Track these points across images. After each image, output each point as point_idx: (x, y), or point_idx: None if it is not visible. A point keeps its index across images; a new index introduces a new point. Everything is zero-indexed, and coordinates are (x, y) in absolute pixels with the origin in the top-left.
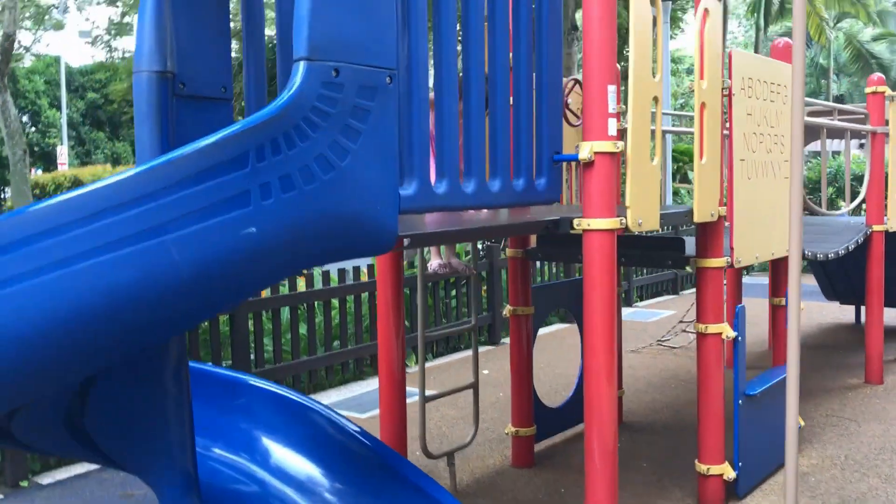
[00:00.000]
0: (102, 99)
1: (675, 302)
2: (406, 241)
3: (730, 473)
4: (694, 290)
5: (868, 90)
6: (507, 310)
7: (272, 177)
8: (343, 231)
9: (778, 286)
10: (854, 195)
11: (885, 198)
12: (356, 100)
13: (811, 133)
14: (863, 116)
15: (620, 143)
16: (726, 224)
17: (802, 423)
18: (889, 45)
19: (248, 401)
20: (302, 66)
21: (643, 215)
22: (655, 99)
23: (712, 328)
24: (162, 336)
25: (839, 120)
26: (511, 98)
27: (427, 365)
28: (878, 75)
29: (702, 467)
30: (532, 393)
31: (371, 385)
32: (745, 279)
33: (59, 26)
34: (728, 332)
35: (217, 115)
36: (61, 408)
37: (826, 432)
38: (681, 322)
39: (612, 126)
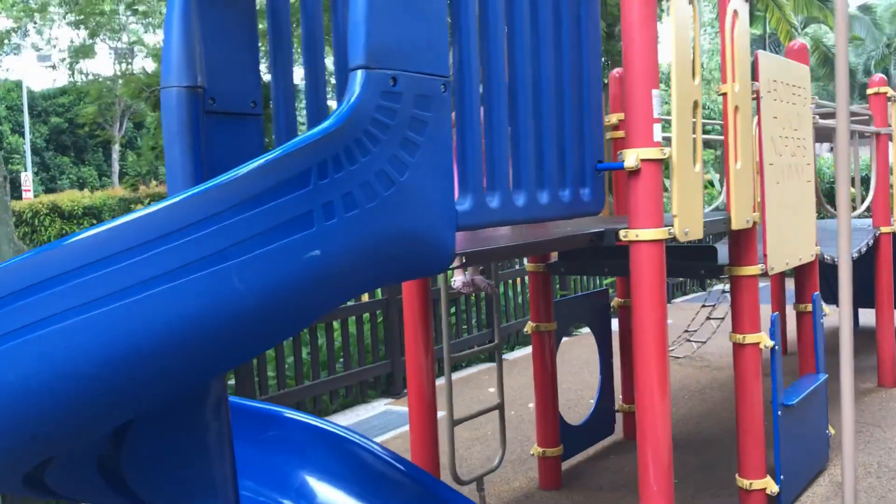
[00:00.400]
0: (67, 123)
1: (669, 312)
2: (461, 260)
3: (773, 488)
4: (684, 299)
5: (870, 91)
6: (528, 326)
7: (335, 195)
8: (403, 251)
9: (803, 292)
10: (859, 198)
11: (892, 199)
12: (413, 110)
13: (822, 135)
14: (866, 118)
15: (667, 150)
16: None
17: (832, 432)
18: (854, 49)
19: (283, 433)
20: (360, 74)
21: (689, 224)
22: (695, 103)
23: (750, 338)
24: (219, 371)
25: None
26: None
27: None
28: (879, 76)
29: (744, 482)
30: (558, 411)
31: (376, 408)
32: None
33: (17, 50)
34: (766, 341)
35: (247, 131)
36: (94, 451)
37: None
38: (686, 332)
39: (658, 132)
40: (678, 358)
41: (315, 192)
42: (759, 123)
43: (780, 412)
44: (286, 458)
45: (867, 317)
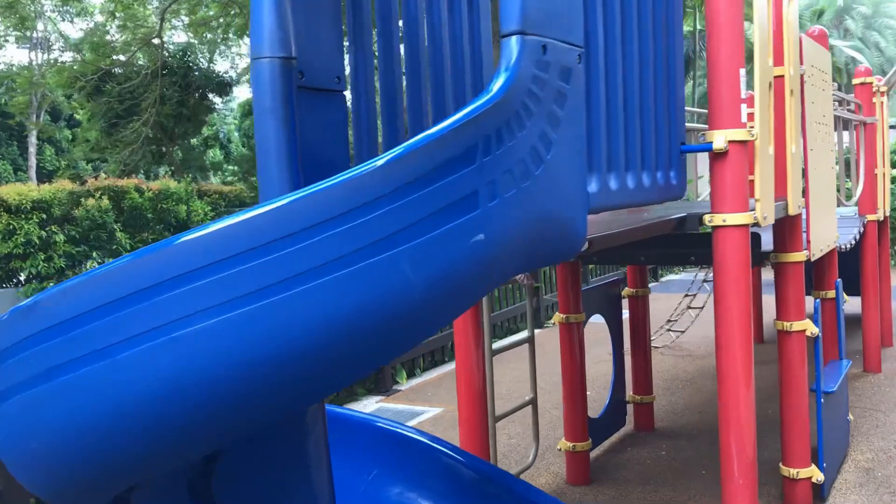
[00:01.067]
0: None
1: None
2: (585, 246)
3: (818, 476)
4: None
5: (856, 81)
6: (556, 317)
7: (496, 173)
8: (546, 234)
9: (824, 279)
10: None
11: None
12: (558, 82)
13: None
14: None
15: (755, 131)
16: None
17: (852, 418)
18: None
19: (369, 441)
20: (515, 41)
21: (767, 209)
22: (770, 85)
23: (797, 325)
24: (369, 370)
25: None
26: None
27: (419, 380)
28: (865, 66)
29: (790, 471)
30: (586, 405)
31: (367, 406)
32: None
33: None
34: (812, 328)
35: (331, 108)
36: (187, 470)
37: (861, 425)
38: (669, 321)
39: (744, 112)
40: (657, 348)
41: (480, 169)
42: (802, 108)
43: (822, 399)
44: (373, 467)
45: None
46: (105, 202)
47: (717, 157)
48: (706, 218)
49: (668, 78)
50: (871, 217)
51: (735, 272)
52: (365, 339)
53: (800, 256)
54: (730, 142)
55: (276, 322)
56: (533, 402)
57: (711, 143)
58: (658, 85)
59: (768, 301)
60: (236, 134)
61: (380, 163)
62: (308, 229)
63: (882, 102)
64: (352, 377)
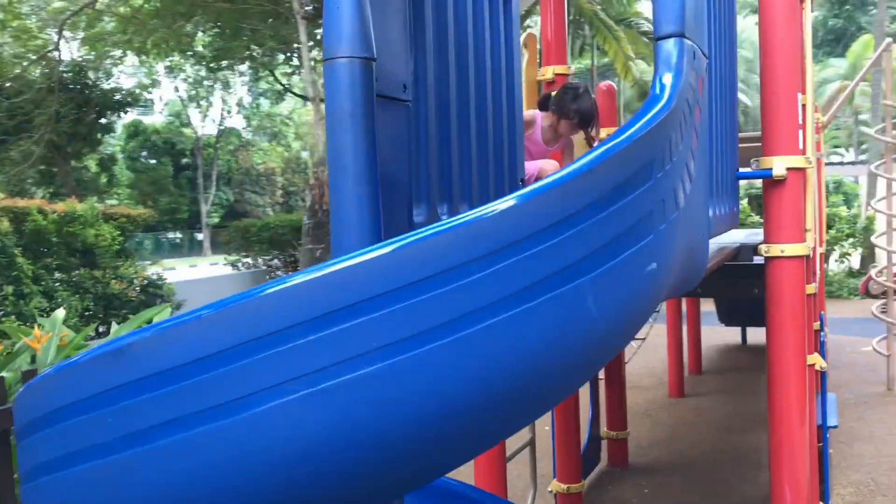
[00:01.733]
0: None
1: None
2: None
3: None
4: None
5: None
6: None
7: (666, 192)
8: (687, 262)
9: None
10: None
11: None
12: (696, 93)
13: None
14: None
15: (812, 158)
16: None
17: (832, 451)
18: None
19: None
20: (674, 44)
21: (813, 240)
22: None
23: (809, 359)
24: (540, 415)
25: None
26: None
27: None
28: None
29: None
30: (579, 444)
31: None
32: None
33: None
34: (821, 362)
35: (397, 119)
36: None
37: (832, 458)
38: None
39: (801, 139)
40: (600, 379)
41: (655, 187)
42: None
43: (828, 435)
44: None
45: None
46: (5, 224)
47: (773, 184)
48: (762, 248)
49: (730, 108)
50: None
51: (792, 304)
52: (542, 381)
53: (811, 289)
54: (788, 169)
55: (448, 367)
56: (531, 442)
57: (769, 169)
58: (728, 114)
59: (706, 331)
60: (121, 156)
61: (561, 180)
62: (491, 255)
63: (820, 139)
64: (523, 424)
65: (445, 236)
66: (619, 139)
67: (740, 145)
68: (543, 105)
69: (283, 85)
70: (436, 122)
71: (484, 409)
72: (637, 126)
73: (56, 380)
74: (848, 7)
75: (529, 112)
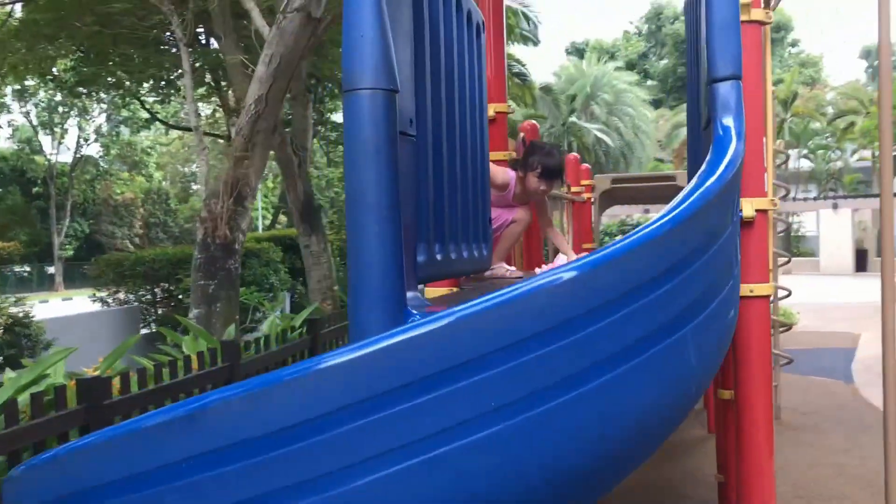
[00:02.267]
0: None
1: None
2: None
3: None
4: None
5: None
6: None
7: (738, 233)
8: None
9: None
10: None
11: None
12: None
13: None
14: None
15: (777, 199)
16: None
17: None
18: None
19: None
20: (732, 87)
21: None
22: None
23: None
24: (643, 461)
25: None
26: None
27: None
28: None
29: None
30: None
31: None
32: None
33: None
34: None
35: (405, 153)
36: None
37: None
38: None
39: (767, 181)
40: None
41: (734, 230)
42: None
43: None
44: None
45: None
46: None
47: (741, 226)
48: None
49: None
50: None
51: (760, 344)
52: (653, 431)
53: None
54: (757, 210)
55: (573, 424)
56: None
57: (739, 211)
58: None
59: None
60: None
61: (665, 227)
62: (607, 304)
63: None
64: (624, 475)
65: (563, 286)
66: (711, 180)
67: (639, 185)
68: (514, 166)
69: (151, 113)
70: (433, 159)
71: (602, 464)
72: (723, 167)
73: (105, 449)
74: None
75: (503, 169)
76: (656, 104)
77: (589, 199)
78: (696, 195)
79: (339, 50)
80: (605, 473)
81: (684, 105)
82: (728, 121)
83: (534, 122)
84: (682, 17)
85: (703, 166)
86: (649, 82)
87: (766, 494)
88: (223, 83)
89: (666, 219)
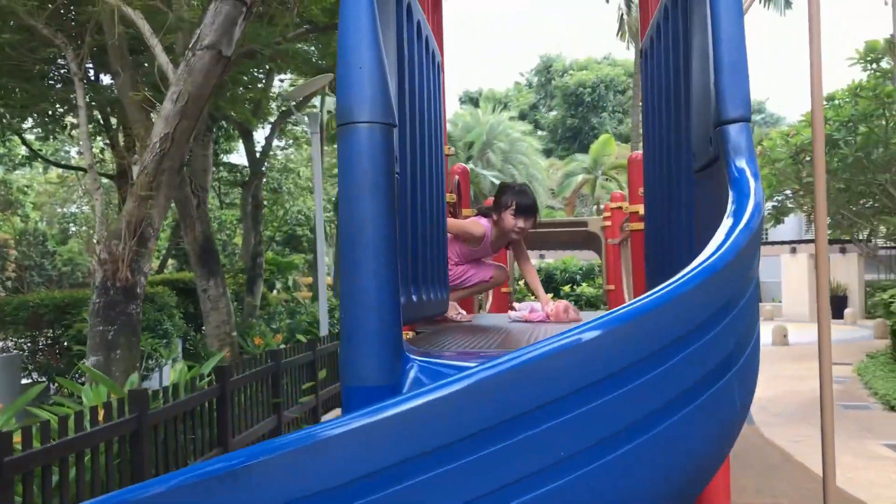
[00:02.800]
0: None
1: None
2: None
3: None
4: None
5: (613, 205)
6: None
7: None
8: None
9: None
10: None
11: None
12: None
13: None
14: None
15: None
16: None
17: None
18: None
19: None
20: (742, 129)
21: None
22: None
23: None
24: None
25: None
26: None
27: None
28: (619, 192)
29: None
30: None
31: None
32: None
33: None
34: None
35: None
36: None
37: None
38: None
39: None
40: None
41: (757, 273)
42: None
43: None
44: None
45: None
46: None
47: None
48: None
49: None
50: None
51: None
52: (707, 470)
53: None
54: None
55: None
56: None
57: None
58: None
59: None
60: None
61: (715, 266)
62: (667, 347)
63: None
64: None
65: (631, 327)
66: (744, 221)
67: (552, 230)
68: (485, 213)
69: (33, 150)
70: (411, 196)
71: None
72: (751, 211)
73: None
74: (582, 109)
75: (473, 220)
76: (547, 153)
77: None
78: (738, 231)
79: (239, 89)
80: None
81: (575, 155)
82: (742, 163)
83: (464, 165)
84: (573, 72)
85: (731, 206)
86: (539, 132)
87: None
88: (112, 121)
89: (718, 255)
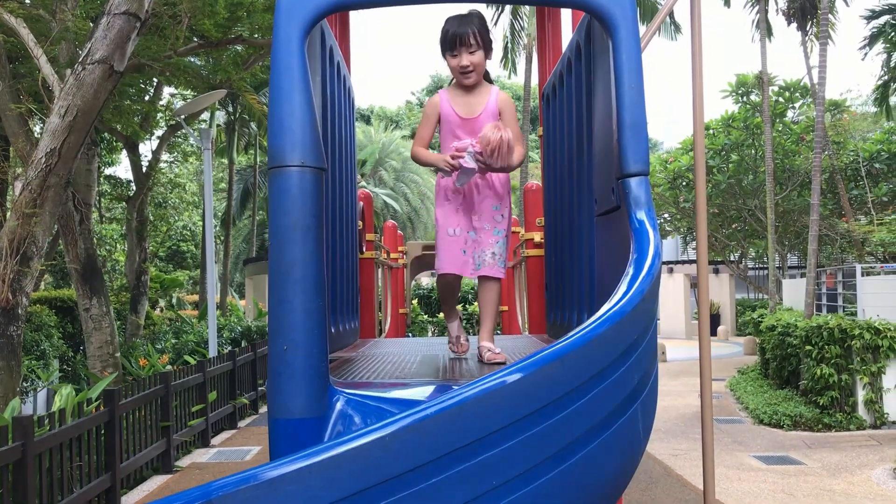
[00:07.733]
0: None
1: (241, 436)
2: None
3: None
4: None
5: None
6: None
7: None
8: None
9: None
10: None
11: None
12: None
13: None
14: None
15: None
16: None
17: None
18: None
19: None
20: (641, 182)
21: None
22: None
23: None
24: None
25: None
26: None
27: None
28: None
29: None
30: None
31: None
32: None
33: None
34: None
35: None
36: None
37: None
38: None
39: None
40: None
41: (657, 308)
42: None
43: None
44: None
45: None
46: None
47: None
48: None
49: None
50: None
51: None
52: (618, 486)
53: None
54: None
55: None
56: None
57: None
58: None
59: None
60: None
61: (627, 307)
62: (588, 381)
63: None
64: None
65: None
66: (645, 269)
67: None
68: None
69: None
70: (329, 231)
71: None
72: (650, 260)
73: None
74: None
75: (427, 100)
76: None
77: (403, 264)
78: (640, 278)
79: (126, 101)
80: None
81: None
82: (641, 214)
83: (367, 191)
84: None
85: (633, 255)
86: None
87: None
88: None
89: (624, 301)
